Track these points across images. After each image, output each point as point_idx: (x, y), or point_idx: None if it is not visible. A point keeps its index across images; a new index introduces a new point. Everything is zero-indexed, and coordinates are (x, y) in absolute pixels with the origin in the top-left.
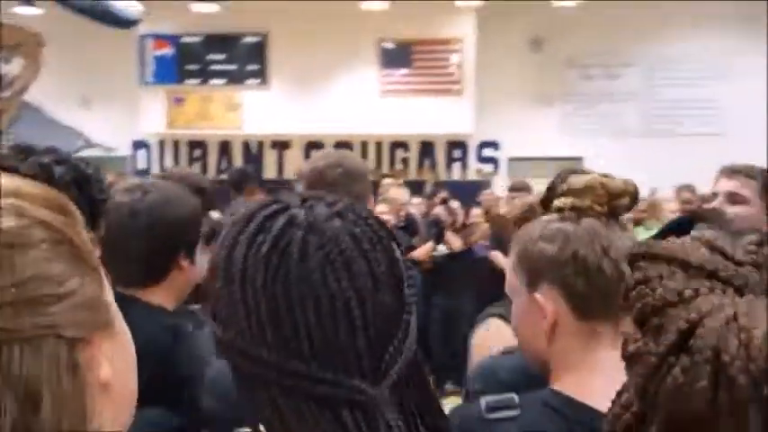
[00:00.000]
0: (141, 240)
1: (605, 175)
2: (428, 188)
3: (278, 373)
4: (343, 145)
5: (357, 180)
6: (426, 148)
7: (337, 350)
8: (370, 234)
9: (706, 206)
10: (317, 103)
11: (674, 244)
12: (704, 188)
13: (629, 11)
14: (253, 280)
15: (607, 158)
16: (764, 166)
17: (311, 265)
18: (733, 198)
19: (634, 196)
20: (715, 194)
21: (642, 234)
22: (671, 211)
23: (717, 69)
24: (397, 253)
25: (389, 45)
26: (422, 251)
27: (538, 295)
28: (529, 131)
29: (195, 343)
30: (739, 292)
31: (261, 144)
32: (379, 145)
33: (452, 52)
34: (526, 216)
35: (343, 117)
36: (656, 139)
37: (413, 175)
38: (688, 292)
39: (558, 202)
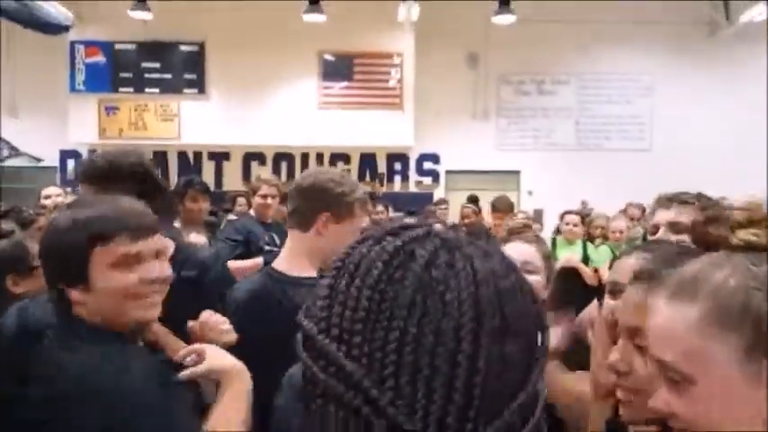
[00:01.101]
0: None
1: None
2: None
3: (345, 384)
4: (283, 156)
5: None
6: (367, 160)
7: (424, 380)
8: (515, 278)
9: (652, 239)
10: (257, 114)
11: None
12: (621, 203)
13: (561, 29)
14: (365, 274)
15: (543, 172)
16: (689, 181)
17: (435, 274)
18: (675, 228)
19: None
20: (656, 226)
21: (608, 253)
22: (619, 230)
23: (644, 87)
24: (537, 307)
25: (330, 57)
26: None
27: None
28: (466, 145)
29: None
30: None
31: (198, 155)
32: (320, 156)
33: (392, 66)
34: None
35: (283, 128)
36: (587, 153)
37: None
38: None
39: (747, 236)
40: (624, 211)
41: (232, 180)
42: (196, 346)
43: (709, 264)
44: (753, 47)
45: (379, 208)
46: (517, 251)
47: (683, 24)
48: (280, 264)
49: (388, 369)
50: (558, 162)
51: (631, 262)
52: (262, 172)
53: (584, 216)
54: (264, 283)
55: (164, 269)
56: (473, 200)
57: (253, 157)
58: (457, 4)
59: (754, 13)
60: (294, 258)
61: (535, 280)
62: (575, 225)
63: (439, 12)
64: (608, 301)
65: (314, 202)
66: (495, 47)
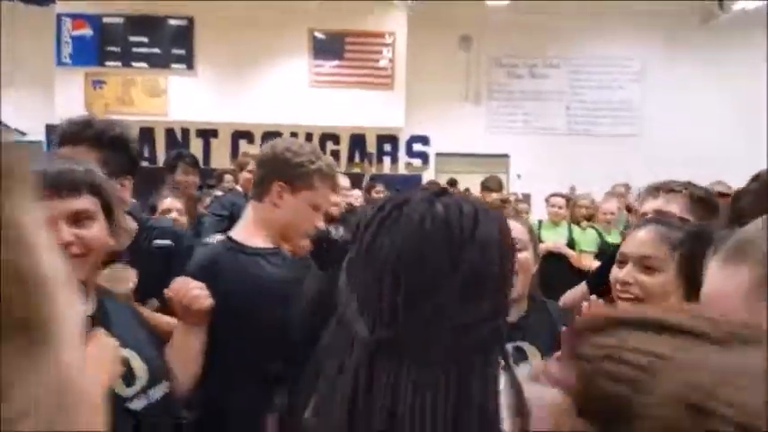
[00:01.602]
0: None
1: None
2: (365, 180)
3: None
4: (272, 135)
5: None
6: (357, 140)
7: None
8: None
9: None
10: (246, 92)
11: None
12: (610, 187)
13: (554, 14)
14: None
15: (532, 156)
16: (678, 167)
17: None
18: (663, 216)
19: None
20: (644, 215)
21: (594, 236)
22: (610, 211)
23: (635, 73)
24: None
25: (321, 35)
26: None
27: None
28: (457, 128)
29: None
30: None
31: (186, 132)
32: (309, 136)
33: (384, 46)
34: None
35: (272, 107)
36: (578, 138)
37: (343, 167)
38: None
39: None
40: (613, 193)
41: (219, 158)
42: None
43: (762, 229)
44: (745, 35)
45: (379, 187)
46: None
47: (677, 11)
48: (237, 233)
49: None
50: (547, 146)
51: (641, 234)
52: (250, 149)
53: (569, 199)
54: (219, 252)
55: (64, 234)
56: (452, 183)
57: (241, 135)
58: None
59: (748, 2)
60: (251, 228)
61: (523, 257)
62: (560, 207)
63: None
64: (615, 270)
65: (270, 172)
66: (489, 30)
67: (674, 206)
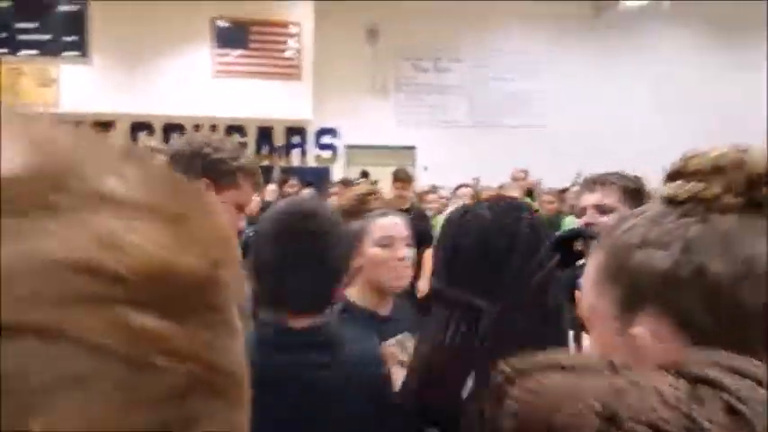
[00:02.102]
0: None
1: (742, 150)
2: (276, 174)
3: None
4: (173, 127)
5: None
6: (264, 132)
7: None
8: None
9: (584, 222)
10: (145, 81)
11: None
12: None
13: (459, 7)
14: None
15: (438, 148)
16: (579, 156)
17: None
18: (601, 209)
19: None
20: (584, 209)
21: None
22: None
23: (535, 66)
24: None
25: (224, 24)
26: None
27: (638, 329)
28: (365, 120)
29: None
30: None
31: (80, 124)
32: (214, 128)
33: (290, 36)
34: (356, 207)
35: (173, 97)
36: (483, 130)
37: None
38: None
39: (669, 189)
40: (516, 179)
41: None
42: None
43: (621, 218)
44: (636, 27)
45: (293, 181)
46: (391, 224)
47: (569, 6)
48: None
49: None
50: (453, 138)
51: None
52: (149, 142)
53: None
54: None
55: None
56: (365, 175)
57: (140, 127)
58: None
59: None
60: None
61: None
62: (468, 198)
63: None
64: None
65: (189, 169)
66: (395, 22)
67: (611, 199)
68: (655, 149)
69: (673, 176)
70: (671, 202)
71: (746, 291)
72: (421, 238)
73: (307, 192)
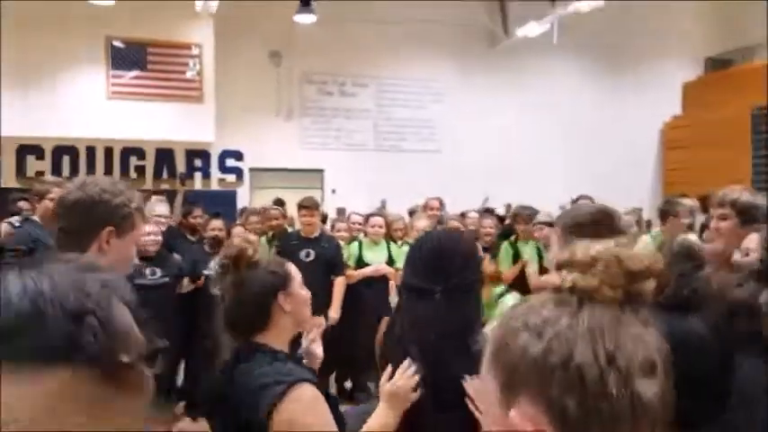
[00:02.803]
0: None
1: (624, 245)
2: (178, 200)
3: None
4: (65, 150)
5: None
6: (164, 155)
7: None
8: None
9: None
10: (35, 102)
11: None
12: (419, 199)
13: (361, 33)
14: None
15: (345, 171)
16: (474, 180)
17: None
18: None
19: (659, 276)
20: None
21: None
22: (422, 228)
23: (436, 92)
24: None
25: (120, 44)
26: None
27: (513, 413)
28: (271, 143)
29: None
30: None
31: None
32: (109, 151)
33: (190, 57)
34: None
35: (65, 118)
36: (385, 154)
37: (150, 183)
38: None
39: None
40: (424, 208)
41: (4, 175)
42: None
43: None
44: (529, 58)
45: (197, 212)
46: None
47: (467, 36)
48: None
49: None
50: (358, 162)
51: None
52: (39, 167)
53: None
54: None
55: None
56: (279, 203)
57: (29, 149)
58: None
59: (529, 30)
60: None
61: None
62: (380, 227)
63: (240, 5)
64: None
65: (90, 218)
66: (298, 45)
67: (555, 236)
68: (548, 175)
69: (559, 266)
70: (555, 290)
71: (610, 382)
72: (331, 266)
73: (215, 222)
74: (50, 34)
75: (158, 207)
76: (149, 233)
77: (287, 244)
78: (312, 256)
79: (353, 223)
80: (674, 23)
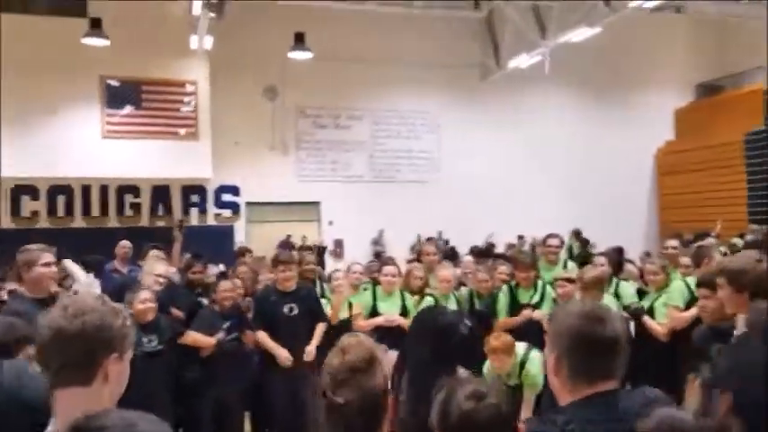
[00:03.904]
0: None
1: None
2: (176, 248)
3: None
4: (60, 189)
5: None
6: (160, 192)
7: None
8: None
9: None
10: (29, 141)
11: None
12: (416, 229)
13: (355, 68)
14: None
15: (341, 203)
16: (471, 208)
17: None
18: None
19: None
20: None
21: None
22: (446, 279)
23: (430, 123)
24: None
25: (114, 83)
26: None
27: None
28: (266, 176)
29: None
30: None
31: None
32: (104, 189)
33: (185, 95)
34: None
35: (59, 158)
36: (381, 185)
37: (146, 221)
38: None
39: None
40: (419, 254)
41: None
42: None
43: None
44: (521, 89)
45: (198, 266)
46: None
47: (460, 68)
48: None
49: None
50: (355, 193)
51: None
52: (34, 207)
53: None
54: None
55: None
56: (243, 253)
57: (23, 190)
58: (253, 36)
59: (520, 61)
60: None
61: None
62: (393, 276)
63: (235, 43)
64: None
65: (96, 346)
66: (293, 80)
67: None
68: (543, 203)
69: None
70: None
71: None
72: (315, 316)
73: (215, 270)
74: (47, 74)
75: (158, 266)
76: (145, 300)
77: (265, 301)
78: (296, 311)
79: (353, 273)
80: (663, 51)
